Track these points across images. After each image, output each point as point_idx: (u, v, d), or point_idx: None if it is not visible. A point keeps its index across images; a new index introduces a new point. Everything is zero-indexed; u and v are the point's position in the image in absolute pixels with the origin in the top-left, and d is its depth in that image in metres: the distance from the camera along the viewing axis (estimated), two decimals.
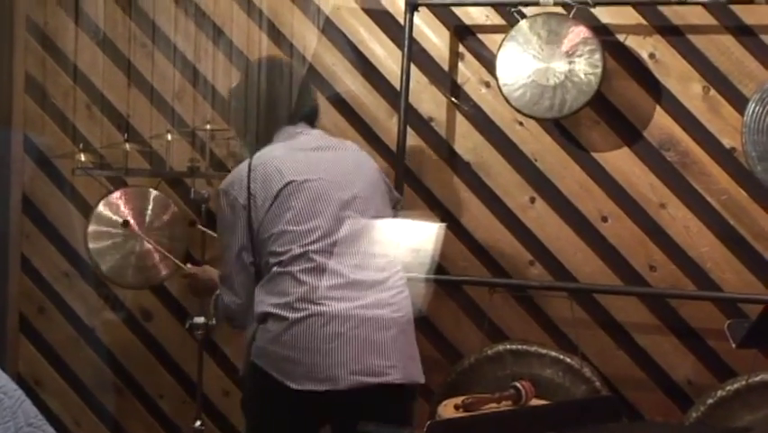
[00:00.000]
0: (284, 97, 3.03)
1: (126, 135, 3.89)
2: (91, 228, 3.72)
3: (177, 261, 3.61)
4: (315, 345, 2.68)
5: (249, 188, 2.83)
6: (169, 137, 3.81)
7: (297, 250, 2.74)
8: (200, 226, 3.64)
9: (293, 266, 2.74)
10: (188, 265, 3.54)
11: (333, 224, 2.78)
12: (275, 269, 2.77)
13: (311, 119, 3.05)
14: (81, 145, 3.86)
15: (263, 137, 3.00)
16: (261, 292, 2.81)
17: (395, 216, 3.04)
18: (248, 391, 2.93)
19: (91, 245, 3.72)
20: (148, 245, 3.71)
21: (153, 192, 3.78)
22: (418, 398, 2.99)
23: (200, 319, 3.57)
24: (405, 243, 2.92)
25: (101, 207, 3.73)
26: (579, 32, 3.38)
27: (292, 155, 2.88)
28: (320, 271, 2.73)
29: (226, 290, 2.93)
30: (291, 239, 2.76)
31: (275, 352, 2.74)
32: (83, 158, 3.79)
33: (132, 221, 3.70)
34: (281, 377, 2.71)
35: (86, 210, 3.83)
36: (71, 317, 4.14)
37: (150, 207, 3.76)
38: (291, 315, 2.71)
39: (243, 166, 2.89)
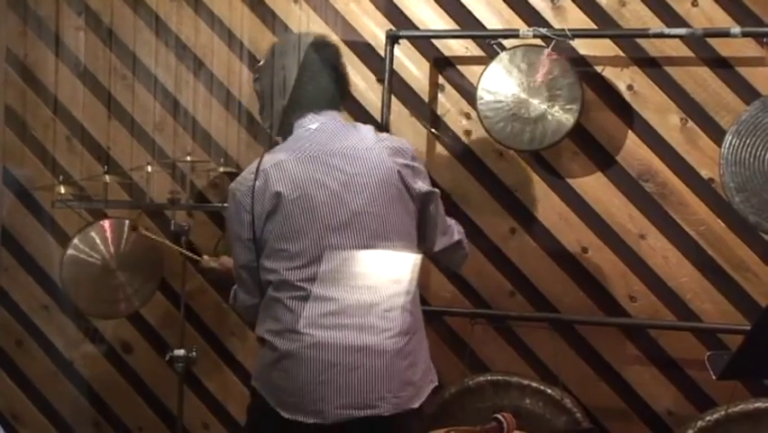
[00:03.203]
0: (305, 81, 2.83)
1: (106, 167, 3.88)
2: (68, 260, 3.71)
3: (193, 255, 3.55)
4: (304, 378, 2.66)
5: (253, 192, 2.73)
6: (149, 169, 3.80)
7: (284, 274, 2.69)
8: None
9: (283, 292, 2.70)
10: (205, 257, 3.45)
11: (325, 244, 2.68)
12: (269, 291, 2.74)
13: (334, 104, 2.84)
14: (61, 177, 3.84)
15: (284, 126, 2.85)
16: (261, 313, 2.79)
17: (430, 212, 2.83)
18: (248, 410, 2.91)
19: (65, 275, 3.71)
20: (121, 277, 3.71)
21: (128, 222, 3.76)
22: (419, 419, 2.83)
23: (180, 352, 3.55)
24: (402, 279, 2.77)
25: (79, 239, 3.72)
26: (558, 64, 3.41)
27: (295, 162, 2.73)
28: (309, 298, 2.67)
29: (239, 289, 2.89)
30: (281, 257, 2.70)
31: (269, 379, 2.74)
32: (63, 190, 3.76)
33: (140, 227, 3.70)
34: (274, 404, 2.71)
35: (66, 242, 3.80)
36: (50, 350, 4.11)
37: (125, 237, 3.75)
38: (281, 345, 2.69)
39: (252, 166, 2.77)
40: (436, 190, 2.86)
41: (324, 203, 2.69)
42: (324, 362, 2.64)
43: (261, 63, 2.97)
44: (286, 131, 2.85)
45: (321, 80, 2.84)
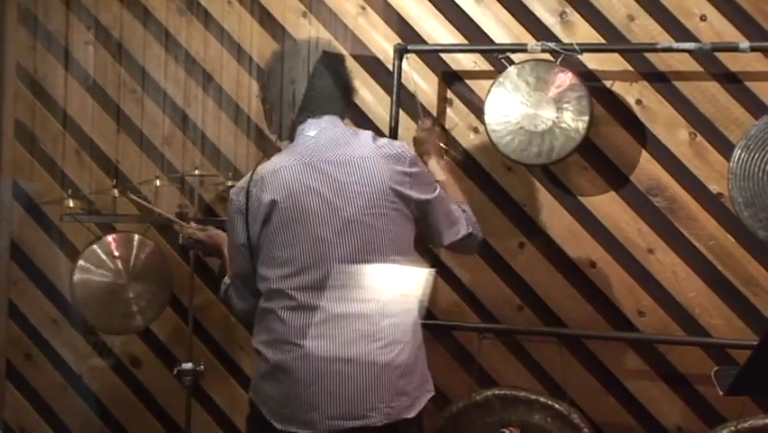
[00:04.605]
0: (304, 85, 2.86)
1: (115, 181, 3.89)
2: (77, 275, 3.71)
3: (181, 222, 3.56)
4: (294, 389, 2.68)
5: (248, 198, 2.77)
6: (158, 183, 3.81)
7: (277, 283, 2.71)
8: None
9: (275, 302, 2.72)
10: (192, 224, 3.48)
11: (316, 252, 2.69)
12: (262, 301, 2.77)
13: (335, 108, 2.87)
14: (70, 191, 3.86)
15: (287, 131, 2.88)
16: (256, 325, 2.82)
17: (432, 217, 2.86)
18: (246, 420, 2.91)
19: (77, 292, 3.71)
20: (132, 292, 3.71)
21: (137, 237, 3.77)
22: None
23: (188, 365, 3.56)
24: (394, 289, 2.77)
25: (88, 253, 3.72)
26: (566, 79, 3.40)
27: (289, 169, 2.75)
28: (300, 308, 2.68)
29: (233, 292, 2.95)
30: (274, 264, 2.73)
31: (263, 390, 2.77)
32: (72, 204, 3.78)
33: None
34: (268, 415, 2.74)
35: (75, 256, 3.81)
36: (59, 364, 4.11)
37: (134, 252, 3.76)
38: (272, 356, 2.72)
39: (248, 175, 2.81)
40: (434, 195, 2.85)
41: (317, 211, 2.71)
42: (315, 372, 2.66)
43: (265, 71, 3.01)
44: (289, 136, 2.88)
45: (320, 84, 2.87)
